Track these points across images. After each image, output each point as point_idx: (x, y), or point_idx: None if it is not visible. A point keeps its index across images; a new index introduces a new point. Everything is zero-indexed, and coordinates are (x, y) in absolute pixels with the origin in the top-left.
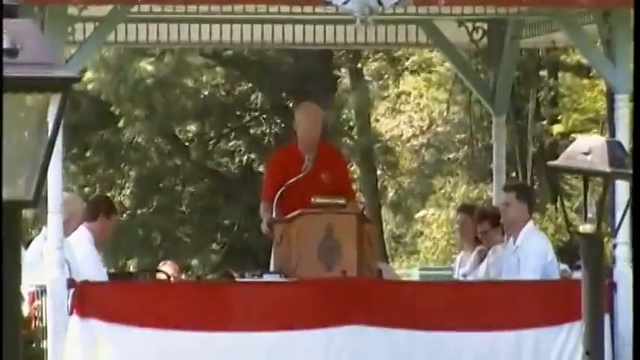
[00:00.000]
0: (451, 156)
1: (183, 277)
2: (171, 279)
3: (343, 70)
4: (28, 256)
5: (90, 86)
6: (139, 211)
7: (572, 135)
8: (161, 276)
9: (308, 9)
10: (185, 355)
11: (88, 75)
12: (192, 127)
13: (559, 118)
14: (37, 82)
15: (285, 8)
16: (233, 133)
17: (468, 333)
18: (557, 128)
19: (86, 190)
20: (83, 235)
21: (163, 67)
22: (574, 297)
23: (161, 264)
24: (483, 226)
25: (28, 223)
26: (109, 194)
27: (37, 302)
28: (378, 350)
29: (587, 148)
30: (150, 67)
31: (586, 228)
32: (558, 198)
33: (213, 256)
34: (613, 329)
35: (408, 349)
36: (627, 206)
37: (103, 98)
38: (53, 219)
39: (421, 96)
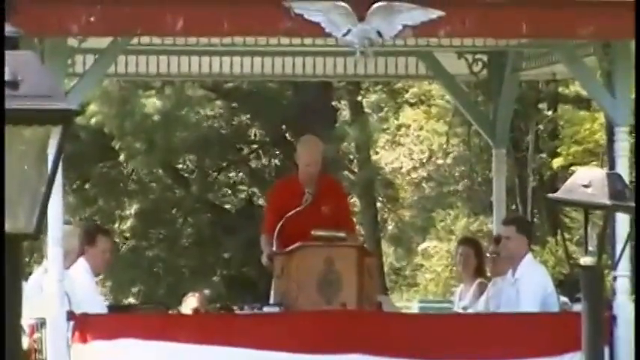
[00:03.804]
0: (451, 188)
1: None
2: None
3: (343, 102)
4: (28, 288)
5: (93, 120)
6: (140, 244)
7: (572, 167)
8: (185, 309)
9: (308, 41)
10: None
11: (92, 108)
12: (192, 160)
13: (558, 150)
14: (37, 115)
15: (285, 40)
16: (233, 166)
17: None
18: (557, 161)
19: (86, 222)
20: (82, 267)
21: (164, 100)
22: (574, 329)
23: (187, 296)
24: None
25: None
26: (98, 223)
27: (36, 335)
28: None
29: (587, 181)
30: (157, 102)
31: (586, 260)
32: (558, 231)
33: (213, 289)
34: None
35: None
36: (627, 239)
37: (105, 131)
38: (53, 251)
39: (421, 128)
